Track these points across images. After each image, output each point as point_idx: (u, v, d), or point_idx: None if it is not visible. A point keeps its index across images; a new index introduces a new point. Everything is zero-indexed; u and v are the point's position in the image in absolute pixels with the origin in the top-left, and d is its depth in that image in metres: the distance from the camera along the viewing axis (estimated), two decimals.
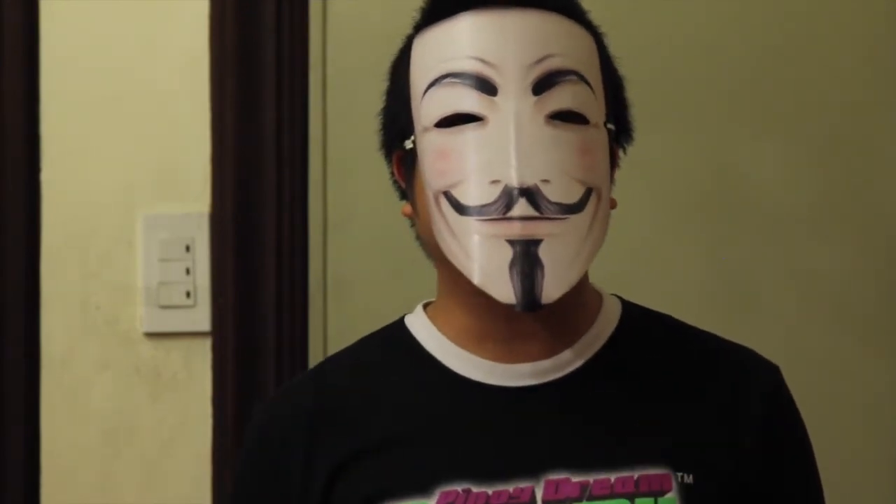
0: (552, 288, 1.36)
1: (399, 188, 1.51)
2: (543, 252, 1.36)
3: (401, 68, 1.47)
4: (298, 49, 2.16)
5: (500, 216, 1.36)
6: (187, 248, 2.15)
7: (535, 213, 1.36)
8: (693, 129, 2.15)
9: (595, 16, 1.49)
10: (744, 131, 2.15)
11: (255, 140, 2.15)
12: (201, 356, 2.15)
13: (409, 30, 1.50)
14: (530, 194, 1.35)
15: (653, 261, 2.13)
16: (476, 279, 1.37)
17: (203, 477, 2.14)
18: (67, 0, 2.17)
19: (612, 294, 1.52)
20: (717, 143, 2.15)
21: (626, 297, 1.55)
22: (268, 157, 2.15)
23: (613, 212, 1.47)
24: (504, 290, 1.36)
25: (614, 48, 1.52)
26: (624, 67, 1.52)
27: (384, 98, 1.50)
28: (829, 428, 2.12)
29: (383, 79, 1.55)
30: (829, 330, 2.14)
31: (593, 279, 1.53)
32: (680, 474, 1.40)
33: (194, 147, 2.16)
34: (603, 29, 1.50)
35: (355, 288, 2.15)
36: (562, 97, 1.39)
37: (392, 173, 1.51)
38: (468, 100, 1.38)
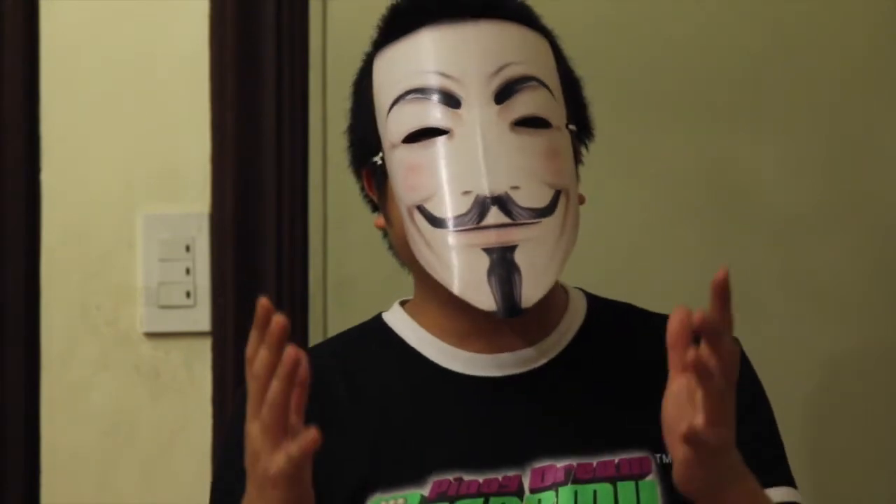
0: (531, 291, 1.38)
1: (370, 202, 1.53)
2: (519, 257, 1.38)
3: (363, 87, 1.50)
4: (298, 49, 2.16)
5: (475, 226, 1.38)
6: (187, 248, 2.15)
7: (508, 220, 1.38)
8: (692, 128, 2.15)
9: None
10: (743, 130, 2.15)
11: (255, 140, 2.15)
12: (201, 356, 2.15)
13: None
14: (502, 202, 1.38)
15: (651, 260, 2.13)
16: (456, 290, 1.39)
17: (203, 477, 2.13)
18: (67, 0, 2.17)
19: (575, 287, 1.55)
20: (715, 143, 2.15)
21: (624, 297, 1.56)
22: (268, 157, 2.15)
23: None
24: (484, 298, 1.38)
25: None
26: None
27: (349, 116, 1.53)
28: (828, 427, 2.12)
29: None
30: (828, 329, 2.13)
31: (590, 279, 1.54)
32: (659, 455, 1.43)
33: (194, 147, 2.16)
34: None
35: (355, 288, 2.15)
36: (524, 104, 1.41)
37: (362, 188, 1.52)
38: (433, 114, 1.41)
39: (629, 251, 2.10)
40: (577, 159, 1.49)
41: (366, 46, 2.14)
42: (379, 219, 1.52)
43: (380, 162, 1.46)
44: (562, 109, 1.45)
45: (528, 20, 1.46)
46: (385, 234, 1.53)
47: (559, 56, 1.48)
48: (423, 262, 1.41)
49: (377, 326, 1.53)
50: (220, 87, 2.15)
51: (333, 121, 2.16)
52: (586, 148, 1.52)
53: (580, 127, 1.50)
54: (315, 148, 2.16)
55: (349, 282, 2.15)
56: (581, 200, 1.46)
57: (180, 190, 2.16)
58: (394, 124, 1.43)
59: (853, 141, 2.15)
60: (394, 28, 1.46)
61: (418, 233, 1.40)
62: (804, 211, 2.15)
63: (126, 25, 2.17)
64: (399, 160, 1.42)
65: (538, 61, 1.44)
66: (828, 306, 2.14)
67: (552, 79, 1.44)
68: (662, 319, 1.53)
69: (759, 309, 2.14)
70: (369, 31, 2.14)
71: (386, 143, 1.44)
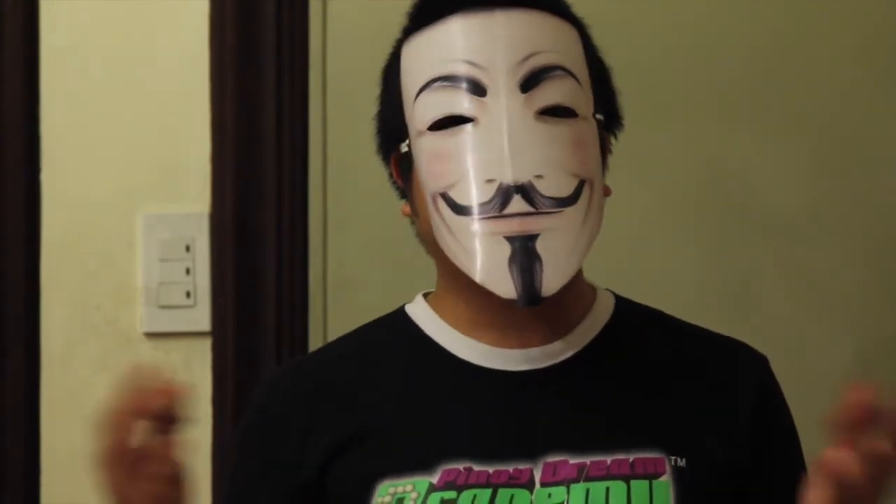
0: (551, 280, 1.39)
1: (398, 188, 1.54)
2: (541, 246, 1.38)
3: (391, 73, 1.50)
4: (298, 49, 2.16)
5: (497, 214, 1.39)
6: (187, 248, 2.15)
7: (531, 209, 1.39)
8: (691, 128, 2.15)
9: (593, 15, 1.49)
10: (742, 131, 2.15)
11: (255, 140, 2.15)
12: (201, 356, 2.15)
13: None
14: (525, 190, 1.38)
15: (650, 259, 2.14)
16: (477, 277, 1.40)
17: (203, 477, 2.14)
18: (67, 0, 2.17)
19: (606, 289, 1.55)
20: (714, 143, 2.15)
21: (624, 295, 1.56)
22: (268, 157, 2.15)
23: (611, 210, 1.48)
24: (505, 286, 1.38)
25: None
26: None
27: (378, 102, 1.53)
28: (825, 428, 2.12)
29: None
30: (827, 329, 2.14)
31: (591, 277, 1.54)
32: (673, 458, 1.43)
33: (194, 147, 2.16)
34: (601, 28, 1.50)
35: (355, 288, 2.15)
36: (550, 93, 1.42)
37: (390, 174, 1.53)
38: (459, 102, 1.41)
39: (627, 250, 2.10)
40: (605, 148, 1.50)
41: (366, 46, 2.16)
42: (406, 206, 1.53)
43: (406, 149, 1.46)
44: (589, 99, 1.45)
45: (557, 9, 1.46)
46: (412, 223, 1.53)
47: (588, 45, 1.49)
48: (445, 249, 1.42)
49: (398, 317, 1.54)
50: (220, 87, 2.15)
51: (333, 121, 2.17)
52: (615, 137, 1.52)
53: (608, 116, 1.50)
54: (315, 148, 2.16)
55: (349, 282, 2.15)
56: (606, 193, 1.47)
57: (180, 190, 2.16)
58: (420, 111, 1.43)
59: (852, 141, 2.15)
60: (423, 15, 1.46)
61: (441, 220, 1.41)
62: (801, 211, 2.15)
63: (126, 25, 2.17)
64: (424, 147, 1.43)
65: (565, 50, 1.44)
66: (827, 306, 2.14)
67: (580, 68, 1.45)
68: (691, 328, 1.55)
69: (757, 309, 2.14)
70: (369, 31, 2.16)
71: (412, 131, 1.45)
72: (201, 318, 2.15)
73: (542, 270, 1.38)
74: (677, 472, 1.42)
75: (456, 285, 1.47)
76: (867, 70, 2.15)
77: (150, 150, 2.16)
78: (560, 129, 1.41)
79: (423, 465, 1.43)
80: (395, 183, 1.54)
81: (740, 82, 2.15)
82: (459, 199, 1.40)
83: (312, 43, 2.16)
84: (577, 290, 1.49)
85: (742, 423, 1.48)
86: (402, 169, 1.51)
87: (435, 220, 1.43)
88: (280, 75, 2.16)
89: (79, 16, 2.17)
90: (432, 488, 1.41)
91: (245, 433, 1.54)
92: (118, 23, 2.17)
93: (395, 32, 1.53)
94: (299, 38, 2.16)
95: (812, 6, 2.15)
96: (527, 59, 1.41)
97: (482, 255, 1.39)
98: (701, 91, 2.15)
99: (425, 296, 1.55)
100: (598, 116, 1.47)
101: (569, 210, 1.40)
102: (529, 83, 1.41)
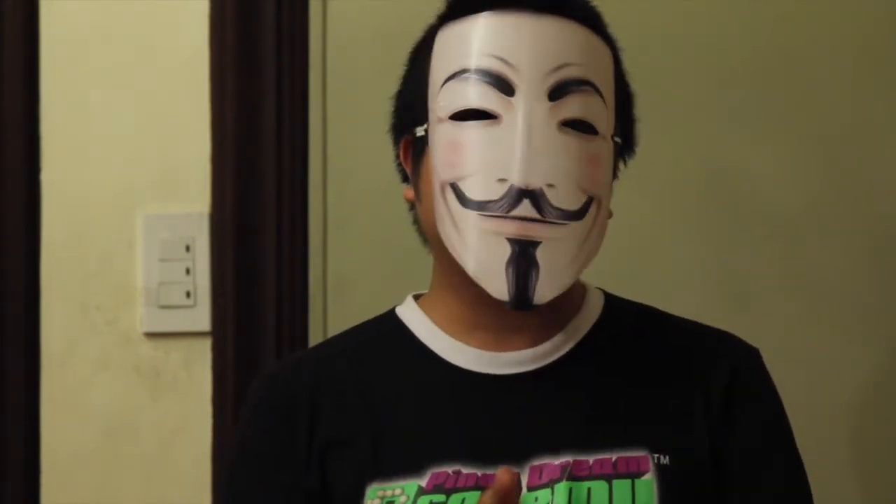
0: (545, 290, 1.39)
1: (402, 171, 1.54)
2: (541, 254, 1.39)
3: (421, 56, 1.50)
4: (298, 49, 2.16)
5: (503, 214, 1.39)
6: (187, 248, 2.15)
7: (537, 216, 1.39)
8: (692, 128, 2.15)
9: None
10: (742, 130, 2.15)
11: (255, 140, 2.15)
12: (201, 356, 2.15)
13: (409, 30, 1.53)
14: (534, 196, 1.39)
15: (651, 259, 2.14)
16: (472, 271, 1.40)
17: (203, 477, 2.14)
18: (68, 0, 2.17)
19: (596, 287, 1.56)
20: (715, 143, 2.15)
21: (624, 295, 1.57)
22: (268, 157, 2.15)
23: (612, 210, 1.48)
24: (498, 286, 1.39)
25: None
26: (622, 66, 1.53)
27: (401, 82, 1.54)
28: (825, 427, 2.12)
29: (383, 78, 1.56)
30: (827, 329, 2.14)
31: (592, 276, 1.55)
32: (657, 455, 1.44)
33: (194, 147, 2.16)
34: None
35: (355, 287, 2.15)
36: (575, 106, 1.42)
37: (397, 156, 1.53)
38: (485, 97, 1.42)
39: (628, 250, 2.10)
40: (614, 173, 1.50)
41: (366, 46, 2.16)
42: (409, 190, 1.52)
43: (422, 134, 1.46)
44: (611, 119, 1.46)
45: (597, 26, 1.47)
46: (411, 208, 1.54)
47: (618, 68, 1.50)
48: (445, 239, 1.43)
49: (389, 320, 1.54)
50: (220, 87, 2.15)
51: (333, 121, 2.17)
52: (625, 163, 1.53)
53: (624, 141, 1.50)
54: (315, 148, 2.16)
55: (349, 282, 2.15)
56: (608, 215, 1.47)
57: (180, 190, 2.16)
58: (444, 100, 1.44)
59: (852, 141, 2.15)
60: (462, 5, 1.46)
61: (447, 210, 1.42)
62: (802, 211, 2.15)
63: (126, 25, 2.17)
64: (443, 135, 1.43)
65: (597, 67, 1.45)
66: (827, 306, 2.14)
67: (608, 87, 1.45)
68: (682, 323, 1.55)
69: (756, 308, 2.14)
70: (369, 32, 2.16)
71: (433, 117, 1.45)
72: (201, 318, 2.15)
73: (537, 278, 1.39)
74: (661, 470, 1.43)
75: (450, 279, 1.48)
76: (867, 70, 2.15)
77: (150, 150, 2.16)
78: (579, 143, 1.41)
79: (412, 468, 1.43)
80: (399, 165, 1.54)
81: (740, 82, 2.15)
82: (468, 192, 1.40)
83: (312, 43, 2.16)
84: (569, 291, 1.48)
85: (716, 411, 1.47)
86: (413, 152, 1.51)
87: (440, 208, 1.43)
88: (280, 75, 2.16)
89: (79, 16, 2.17)
90: (421, 491, 1.42)
91: (245, 427, 1.54)
92: (118, 23, 2.17)
93: (395, 32, 1.54)
94: (299, 38, 2.16)
95: (812, 6, 2.15)
96: (559, 68, 1.42)
97: (481, 251, 1.40)
98: (701, 91, 2.15)
99: (416, 298, 1.56)
100: (616, 139, 1.47)
101: (574, 224, 1.41)
102: (557, 92, 1.41)
